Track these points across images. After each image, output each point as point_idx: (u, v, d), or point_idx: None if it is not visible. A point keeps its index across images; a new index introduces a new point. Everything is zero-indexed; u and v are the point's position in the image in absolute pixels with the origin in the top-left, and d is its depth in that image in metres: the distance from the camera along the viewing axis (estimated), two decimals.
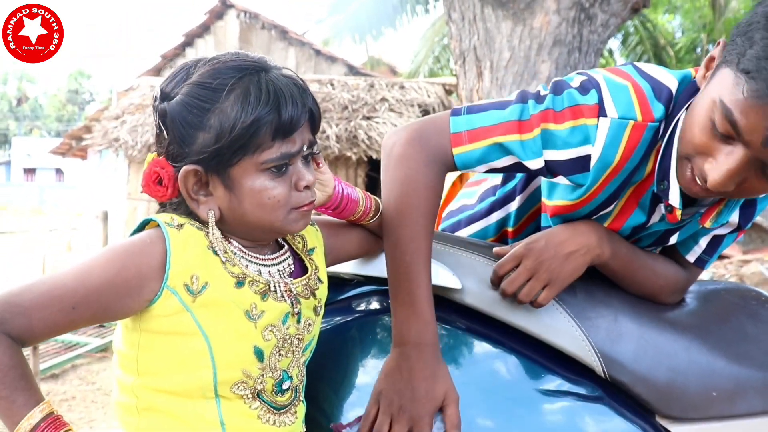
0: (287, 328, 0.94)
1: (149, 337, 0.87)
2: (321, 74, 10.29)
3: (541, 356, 1.10)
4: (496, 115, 1.05)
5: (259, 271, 0.93)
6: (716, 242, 1.19)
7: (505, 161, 1.07)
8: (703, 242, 1.19)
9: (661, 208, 1.11)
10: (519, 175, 1.34)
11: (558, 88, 1.05)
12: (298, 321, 0.96)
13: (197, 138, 0.86)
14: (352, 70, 10.98)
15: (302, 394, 1.01)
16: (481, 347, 1.13)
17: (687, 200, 1.05)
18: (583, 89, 1.03)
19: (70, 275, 0.83)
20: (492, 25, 4.05)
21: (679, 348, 1.10)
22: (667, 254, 1.22)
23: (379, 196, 1.12)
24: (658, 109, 1.01)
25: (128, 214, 9.78)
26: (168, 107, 0.87)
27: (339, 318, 1.19)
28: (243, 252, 0.93)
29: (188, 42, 11.40)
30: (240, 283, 0.89)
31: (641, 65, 1.08)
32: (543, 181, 1.21)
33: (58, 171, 37.44)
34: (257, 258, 0.94)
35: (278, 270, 0.96)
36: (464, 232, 1.42)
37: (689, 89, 1.03)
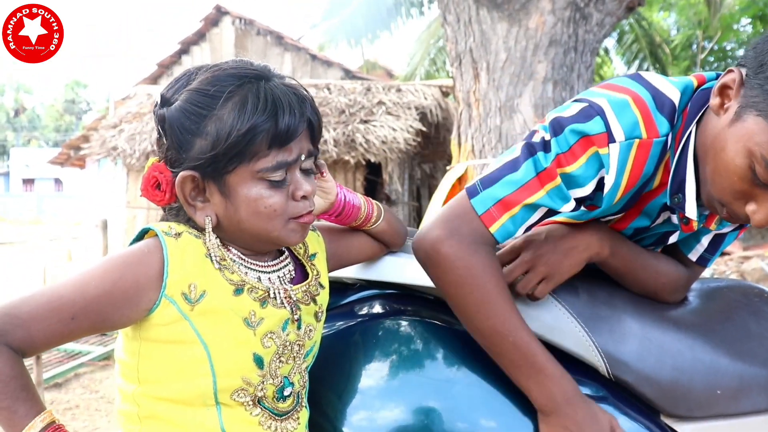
0: (287, 335, 0.93)
1: (149, 346, 0.88)
2: (317, 79, 10.31)
3: None
4: (513, 181, 1.03)
5: (259, 278, 0.93)
6: (718, 240, 1.19)
7: (539, 214, 1.05)
8: (705, 241, 1.19)
9: (668, 214, 1.11)
10: None
11: (558, 127, 1.03)
12: (299, 327, 0.95)
13: (194, 144, 0.86)
14: (349, 74, 11.00)
15: (305, 400, 1.00)
16: (483, 349, 1.12)
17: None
18: (586, 117, 1.01)
19: (68, 286, 0.83)
20: (487, 27, 4.05)
21: (683, 347, 1.10)
22: (668, 253, 1.22)
23: (379, 200, 1.12)
24: (662, 124, 1.00)
25: (127, 222, 9.78)
26: (167, 113, 0.88)
27: (341, 323, 1.19)
28: (242, 259, 0.93)
29: (184, 49, 11.42)
30: (239, 291, 0.89)
31: (643, 74, 1.06)
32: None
33: (57, 181, 37.45)
34: (257, 265, 0.94)
35: (278, 276, 0.96)
36: None
37: (696, 101, 1.02)
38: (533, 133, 1.07)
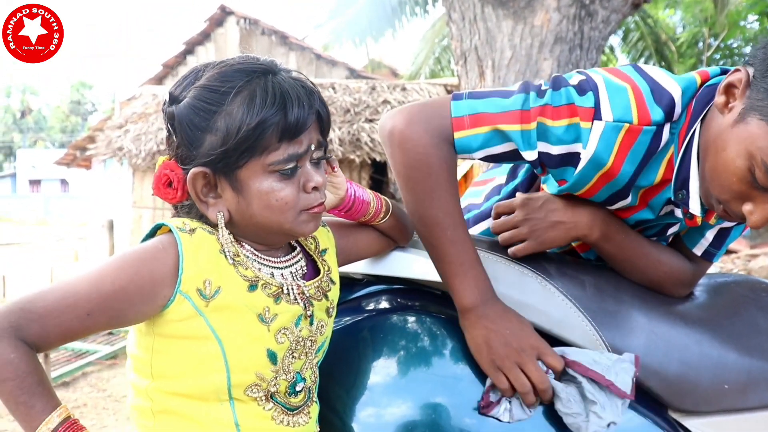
0: (300, 331, 0.94)
1: (163, 342, 0.88)
2: (322, 78, 10.31)
3: None
4: (498, 103, 1.06)
5: (272, 274, 0.93)
6: (723, 235, 1.19)
7: (503, 147, 1.08)
8: (710, 235, 1.19)
9: (671, 207, 1.12)
10: (521, 174, 1.35)
11: (557, 84, 1.05)
12: (311, 323, 0.96)
13: (204, 140, 0.86)
14: (353, 74, 11.01)
15: (315, 395, 1.01)
16: None
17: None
18: (581, 90, 1.03)
19: (83, 282, 0.83)
20: (492, 25, 4.05)
21: (690, 341, 1.10)
22: (674, 248, 1.23)
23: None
24: (656, 113, 1.01)
25: (133, 222, 9.81)
26: (176, 110, 0.88)
27: (349, 318, 1.20)
28: (255, 255, 0.93)
29: (189, 50, 11.45)
30: (253, 287, 0.89)
31: (644, 67, 1.07)
32: (543, 180, 1.22)
33: (63, 182, 37.57)
34: (270, 261, 0.94)
35: (291, 272, 0.96)
36: (472, 231, 1.43)
37: (701, 98, 1.03)
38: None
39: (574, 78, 1.06)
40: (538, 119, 1.03)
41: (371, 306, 1.23)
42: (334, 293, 1.03)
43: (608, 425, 0.98)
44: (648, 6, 12.02)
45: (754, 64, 0.95)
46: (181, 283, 0.85)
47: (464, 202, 1.49)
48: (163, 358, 0.89)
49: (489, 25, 4.07)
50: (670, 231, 1.20)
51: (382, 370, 1.12)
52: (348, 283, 1.25)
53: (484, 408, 1.02)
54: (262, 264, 0.93)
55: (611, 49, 13.33)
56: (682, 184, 1.04)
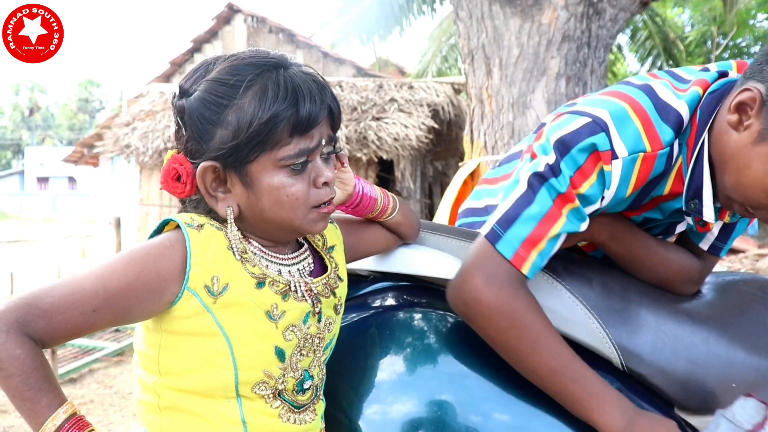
0: (308, 328, 0.93)
1: (170, 338, 0.87)
2: (329, 76, 10.31)
3: None
4: (532, 215, 1.02)
5: (279, 271, 0.93)
6: (729, 228, 1.19)
7: (562, 239, 1.05)
8: (715, 229, 1.19)
9: (681, 216, 1.12)
10: None
11: (563, 149, 1.00)
12: (319, 320, 0.96)
13: (215, 134, 0.85)
14: (361, 72, 11.00)
15: (322, 392, 1.01)
16: None
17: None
18: (591, 132, 0.99)
19: (90, 278, 0.82)
20: (500, 23, 4.04)
21: (697, 340, 1.10)
22: (680, 244, 1.22)
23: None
24: (666, 133, 1.00)
25: (141, 220, 9.85)
26: (186, 104, 0.87)
27: (355, 315, 1.20)
28: (263, 252, 0.92)
29: (196, 47, 11.47)
30: (261, 284, 0.89)
31: (650, 83, 1.05)
32: None
33: (71, 179, 37.75)
34: (277, 258, 0.94)
35: (298, 269, 0.96)
36: None
37: (705, 107, 1.02)
38: (531, 159, 1.06)
39: (575, 123, 1.01)
40: (575, 195, 1.01)
41: (378, 303, 1.23)
42: (342, 290, 1.02)
43: None
44: (656, 4, 11.97)
45: (765, 81, 0.95)
46: (189, 280, 0.84)
47: (482, 202, 1.47)
48: (170, 354, 0.88)
49: (496, 23, 4.06)
50: (678, 228, 1.20)
51: (389, 367, 1.12)
52: (354, 280, 1.25)
53: None
54: (269, 261, 0.92)
55: (619, 47, 13.27)
56: (695, 193, 1.04)
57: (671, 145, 1.01)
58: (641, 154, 0.99)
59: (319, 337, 0.96)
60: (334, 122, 0.91)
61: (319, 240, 1.03)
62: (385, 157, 8.66)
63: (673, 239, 1.25)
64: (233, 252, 0.88)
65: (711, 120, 1.02)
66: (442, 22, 12.70)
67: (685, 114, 1.01)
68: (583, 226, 1.04)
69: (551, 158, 1.01)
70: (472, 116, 4.40)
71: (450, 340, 1.13)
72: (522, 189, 1.03)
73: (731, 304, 1.21)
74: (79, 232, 18.48)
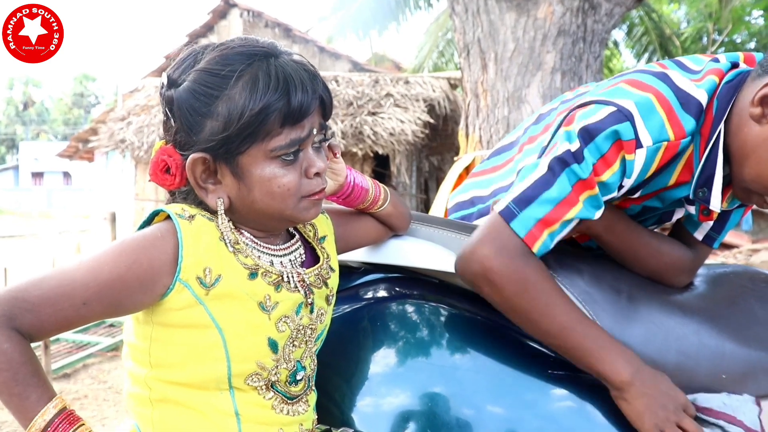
0: (300, 319, 0.93)
1: (162, 330, 0.86)
2: (325, 71, 10.30)
3: None
4: (550, 198, 1.03)
5: (272, 262, 0.92)
6: (724, 218, 1.19)
7: (574, 224, 1.06)
8: None
9: (682, 203, 1.13)
10: None
11: (587, 136, 1.02)
12: (311, 311, 0.95)
13: (205, 126, 0.84)
14: (357, 67, 11.00)
15: (313, 383, 1.01)
16: (488, 333, 1.13)
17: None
18: (616, 120, 1.00)
19: (80, 270, 0.81)
20: (496, 17, 4.04)
21: (688, 331, 1.10)
22: (675, 234, 1.23)
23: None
24: (688, 123, 1.01)
25: (136, 214, 9.84)
26: (175, 94, 0.85)
27: (347, 306, 1.20)
28: (255, 242, 0.91)
29: (192, 42, 11.41)
30: (253, 275, 0.88)
31: (668, 72, 1.06)
32: None
33: (66, 174, 37.60)
34: (269, 248, 0.93)
35: (290, 260, 0.95)
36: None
37: (722, 97, 1.03)
38: (553, 144, 1.07)
39: (601, 112, 1.02)
40: (596, 182, 1.02)
41: (369, 294, 1.23)
42: (334, 281, 1.02)
43: None
44: (652, 0, 11.96)
45: None
46: (181, 271, 0.83)
47: (467, 195, 1.48)
48: (162, 347, 0.87)
49: (492, 17, 4.06)
50: (674, 218, 1.20)
51: (380, 358, 1.12)
52: (346, 271, 1.25)
53: None
54: (261, 252, 0.91)
55: (615, 43, 13.27)
56: (705, 182, 1.04)
57: (692, 134, 1.02)
58: (665, 143, 1.01)
59: (311, 328, 0.95)
60: (326, 111, 0.90)
61: (310, 230, 1.02)
62: (380, 152, 8.66)
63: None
64: (225, 243, 0.87)
65: (728, 110, 1.02)
66: (439, 17, 12.68)
67: (704, 100, 1.02)
68: (598, 214, 1.05)
69: (575, 145, 1.02)
70: (467, 110, 4.40)
71: (441, 332, 1.13)
72: (542, 171, 1.05)
73: (722, 296, 1.21)
74: (75, 227, 18.41)
